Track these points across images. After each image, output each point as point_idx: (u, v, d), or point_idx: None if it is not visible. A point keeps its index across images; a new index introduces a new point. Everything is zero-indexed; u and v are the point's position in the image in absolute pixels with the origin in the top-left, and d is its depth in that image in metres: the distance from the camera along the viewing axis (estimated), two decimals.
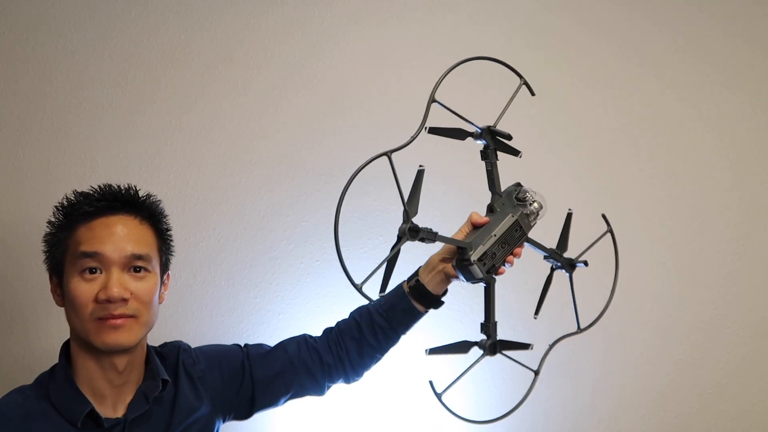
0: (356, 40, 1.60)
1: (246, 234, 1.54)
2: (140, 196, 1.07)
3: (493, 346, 1.15)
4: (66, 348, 1.05)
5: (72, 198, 1.04)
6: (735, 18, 1.74)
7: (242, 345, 1.21)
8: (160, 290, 1.07)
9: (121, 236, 1.01)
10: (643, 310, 1.66)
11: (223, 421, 1.17)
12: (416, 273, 1.17)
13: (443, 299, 1.17)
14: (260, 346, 1.21)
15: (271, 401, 1.19)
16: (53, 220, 1.04)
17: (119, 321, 0.98)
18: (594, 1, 1.70)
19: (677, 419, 1.66)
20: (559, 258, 1.25)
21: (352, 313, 1.21)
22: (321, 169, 1.58)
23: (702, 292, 1.68)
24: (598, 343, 1.64)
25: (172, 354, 1.13)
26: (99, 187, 1.05)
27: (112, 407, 1.03)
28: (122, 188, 1.06)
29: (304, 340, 1.21)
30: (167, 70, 1.54)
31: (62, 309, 1.03)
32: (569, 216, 1.27)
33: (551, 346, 1.26)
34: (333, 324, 1.23)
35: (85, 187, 1.04)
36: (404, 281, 1.18)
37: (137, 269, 1.02)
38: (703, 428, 1.67)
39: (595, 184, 1.67)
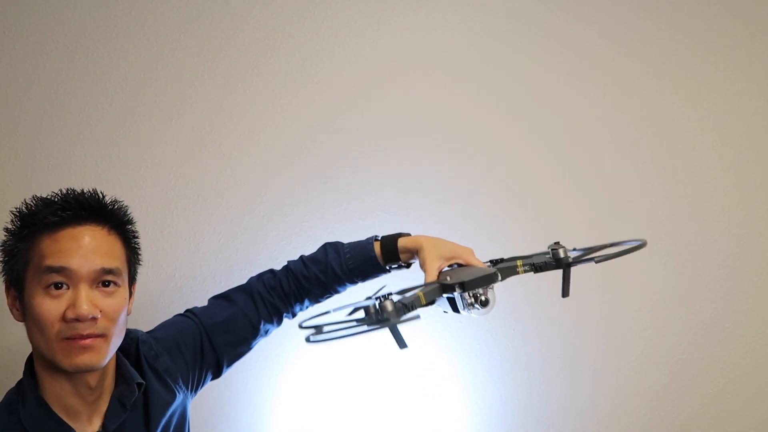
0: (356, 40, 1.60)
1: (246, 234, 1.53)
2: (107, 203, 1.00)
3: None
4: (30, 363, 0.98)
5: (32, 204, 0.96)
6: (736, 16, 1.74)
7: (190, 314, 1.16)
8: (128, 303, 1.00)
9: (89, 249, 0.93)
10: (642, 309, 1.66)
11: (196, 393, 1.15)
12: (395, 249, 1.12)
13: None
14: (211, 311, 1.16)
15: (238, 358, 1.18)
16: (11, 227, 0.96)
17: (88, 341, 0.92)
18: (594, 0, 1.70)
19: (677, 419, 1.66)
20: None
21: (313, 271, 1.17)
22: (321, 169, 1.58)
23: (702, 292, 1.68)
24: (597, 343, 1.64)
25: (132, 348, 1.07)
26: (61, 192, 0.97)
27: (88, 421, 0.98)
28: (86, 193, 0.98)
29: (260, 297, 1.17)
30: (167, 70, 1.54)
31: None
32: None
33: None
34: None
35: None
36: (375, 247, 1.14)
37: (107, 284, 0.95)
38: (703, 428, 1.67)
39: (594, 185, 1.67)
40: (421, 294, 0.93)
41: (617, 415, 1.65)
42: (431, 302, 0.97)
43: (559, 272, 1.07)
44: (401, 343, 0.88)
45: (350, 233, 1.56)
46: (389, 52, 1.61)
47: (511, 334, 1.60)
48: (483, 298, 0.98)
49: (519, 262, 1.07)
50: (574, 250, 1.10)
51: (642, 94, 1.70)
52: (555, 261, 1.04)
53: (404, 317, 0.86)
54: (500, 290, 1.15)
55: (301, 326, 0.89)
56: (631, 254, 1.65)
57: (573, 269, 1.06)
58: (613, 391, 1.65)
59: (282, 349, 1.52)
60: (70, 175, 1.49)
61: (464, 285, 0.96)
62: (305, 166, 1.57)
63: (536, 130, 1.65)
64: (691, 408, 1.67)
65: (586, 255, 1.06)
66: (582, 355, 1.64)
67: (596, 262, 1.03)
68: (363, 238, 1.57)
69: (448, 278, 0.99)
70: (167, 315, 1.19)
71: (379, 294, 0.91)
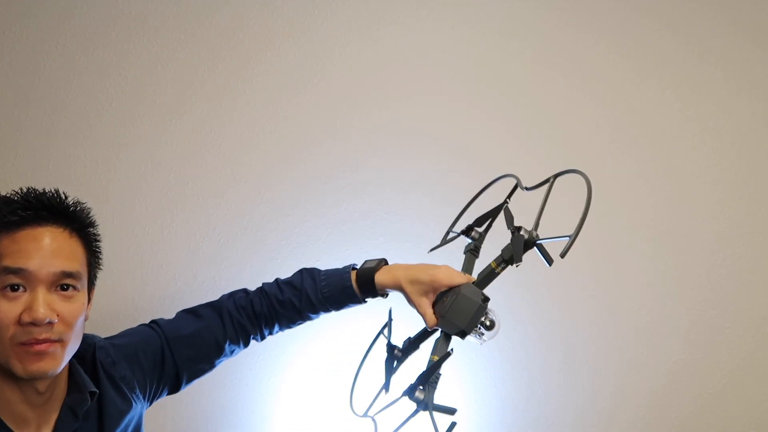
0: (357, 40, 1.60)
1: (246, 234, 1.53)
2: (69, 204, 0.96)
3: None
4: None
5: None
6: (736, 16, 1.74)
7: (154, 325, 1.14)
8: (87, 309, 0.97)
9: (49, 250, 0.90)
10: (642, 309, 1.66)
11: (150, 404, 1.13)
12: (372, 283, 1.12)
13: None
14: (176, 324, 1.14)
15: (198, 375, 1.16)
16: None
17: (43, 347, 0.89)
18: (593, 1, 1.70)
19: (677, 419, 1.66)
20: None
21: (287, 295, 1.15)
22: (321, 169, 1.58)
23: (702, 292, 1.68)
24: (596, 343, 1.64)
25: (88, 353, 1.03)
26: (21, 191, 0.94)
27: (37, 430, 0.94)
28: (48, 193, 0.95)
29: (228, 315, 1.15)
30: (167, 70, 1.54)
31: None
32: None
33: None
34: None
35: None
36: (351, 276, 1.13)
37: (65, 287, 0.92)
38: (702, 428, 1.67)
39: (594, 185, 1.67)
40: (434, 357, 1.04)
41: (617, 415, 1.65)
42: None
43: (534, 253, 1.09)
44: (450, 411, 0.99)
45: (350, 233, 1.56)
46: (390, 53, 1.61)
47: (511, 334, 1.60)
48: (487, 322, 1.04)
49: (493, 264, 1.09)
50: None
51: (642, 94, 1.70)
52: (524, 245, 1.05)
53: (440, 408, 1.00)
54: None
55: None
56: (631, 254, 1.67)
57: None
58: (613, 391, 1.65)
59: (282, 349, 1.52)
60: (70, 175, 1.49)
61: (464, 332, 1.03)
62: (305, 166, 1.57)
63: (536, 130, 1.65)
64: (691, 408, 1.67)
65: (537, 222, 1.09)
66: (582, 355, 1.64)
67: (572, 239, 1.02)
68: (363, 238, 1.58)
69: (447, 324, 1.05)
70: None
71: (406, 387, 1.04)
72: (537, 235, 1.06)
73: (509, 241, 1.08)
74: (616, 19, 1.69)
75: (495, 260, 1.09)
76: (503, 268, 1.08)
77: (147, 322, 1.16)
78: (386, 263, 1.16)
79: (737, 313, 1.68)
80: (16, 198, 0.93)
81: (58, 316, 0.90)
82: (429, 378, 1.02)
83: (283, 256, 1.54)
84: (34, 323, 0.88)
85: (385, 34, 1.61)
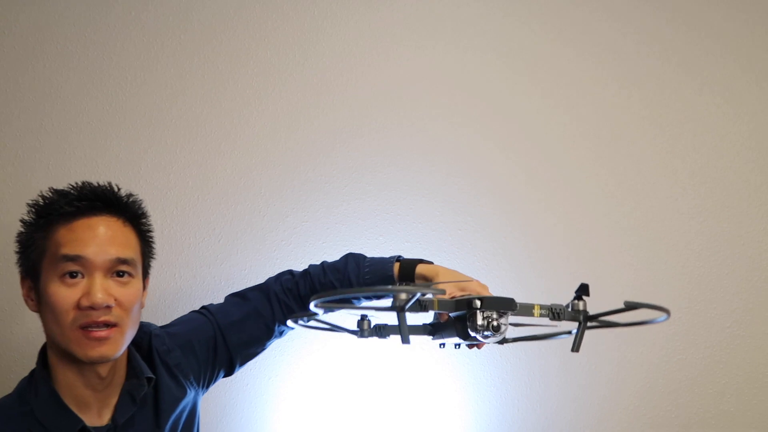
0: (357, 41, 1.60)
1: (246, 234, 1.53)
2: (122, 195, 1.02)
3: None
4: (43, 354, 0.99)
5: (48, 196, 0.98)
6: (736, 16, 1.74)
7: (206, 311, 1.16)
8: (142, 296, 1.02)
9: (104, 239, 0.96)
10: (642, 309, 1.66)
11: (207, 389, 1.16)
12: (412, 274, 1.11)
13: None
14: (226, 310, 1.17)
15: (251, 357, 1.19)
16: (27, 219, 0.98)
17: (103, 333, 0.93)
18: (591, 10, 1.70)
19: (677, 419, 1.66)
20: None
21: (329, 278, 1.16)
22: (321, 170, 1.58)
23: (702, 292, 1.68)
24: (596, 343, 1.64)
25: (144, 341, 1.08)
26: (77, 184, 1.00)
27: (98, 414, 0.99)
28: (102, 186, 1.01)
29: (276, 298, 1.17)
30: (167, 69, 1.54)
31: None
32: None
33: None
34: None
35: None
36: (394, 267, 1.13)
37: (121, 274, 0.97)
38: (703, 428, 1.67)
39: (599, 187, 1.67)
40: (435, 300, 0.90)
41: (617, 415, 1.65)
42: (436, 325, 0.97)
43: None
44: (405, 340, 0.85)
45: (350, 233, 1.56)
46: (390, 53, 1.61)
47: None
48: (495, 323, 0.95)
49: (536, 306, 1.02)
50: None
51: (641, 94, 1.70)
52: (573, 312, 1.00)
53: (422, 291, 0.81)
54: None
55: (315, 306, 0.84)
56: (631, 254, 1.67)
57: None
58: (613, 390, 1.65)
59: (282, 349, 1.52)
60: (70, 175, 1.47)
61: (483, 300, 0.94)
62: (306, 166, 1.57)
63: (535, 133, 1.65)
64: (691, 408, 1.67)
65: (606, 315, 1.02)
66: (581, 355, 1.63)
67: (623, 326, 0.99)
68: (363, 238, 1.57)
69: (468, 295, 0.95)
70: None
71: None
72: (591, 314, 1.00)
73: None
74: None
75: (542, 307, 1.00)
76: (541, 315, 1.01)
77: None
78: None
79: (737, 313, 1.68)
80: (70, 191, 0.98)
81: (115, 300, 0.94)
82: (416, 283, 0.94)
83: (283, 256, 1.54)
84: (92, 307, 0.92)
85: (385, 35, 1.61)
